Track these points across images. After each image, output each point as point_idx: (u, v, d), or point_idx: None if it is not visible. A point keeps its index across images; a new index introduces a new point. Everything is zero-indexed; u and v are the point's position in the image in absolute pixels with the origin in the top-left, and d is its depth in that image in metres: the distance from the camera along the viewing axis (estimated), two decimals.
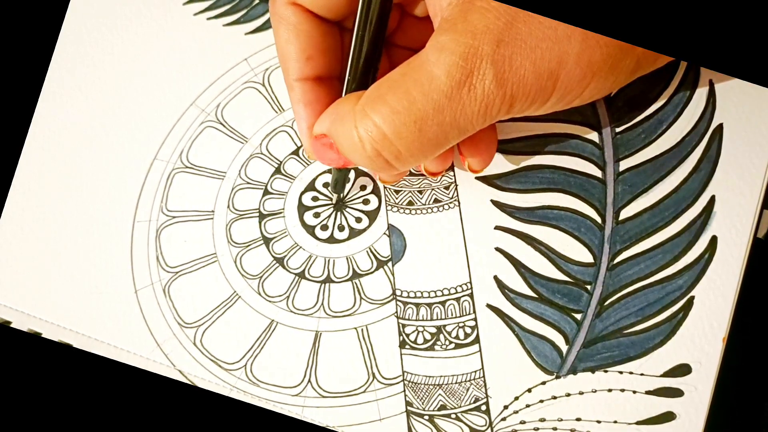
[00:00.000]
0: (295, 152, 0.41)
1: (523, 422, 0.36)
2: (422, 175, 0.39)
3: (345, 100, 0.33)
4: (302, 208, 0.40)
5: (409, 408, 0.37)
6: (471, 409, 0.37)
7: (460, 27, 0.30)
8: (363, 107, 0.31)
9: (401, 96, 0.30)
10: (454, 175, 0.39)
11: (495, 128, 0.37)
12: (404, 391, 0.37)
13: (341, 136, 0.32)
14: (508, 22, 0.29)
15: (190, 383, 0.39)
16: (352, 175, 0.40)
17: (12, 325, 0.40)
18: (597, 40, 0.30)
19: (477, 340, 0.37)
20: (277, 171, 0.40)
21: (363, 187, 0.40)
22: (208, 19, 0.43)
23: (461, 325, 0.38)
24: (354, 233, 0.39)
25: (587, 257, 0.38)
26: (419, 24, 0.37)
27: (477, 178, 0.39)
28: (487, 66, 0.29)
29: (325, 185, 0.40)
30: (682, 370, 0.36)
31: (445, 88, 0.29)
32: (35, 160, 0.41)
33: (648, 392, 0.36)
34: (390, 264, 0.39)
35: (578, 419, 0.36)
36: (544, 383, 0.37)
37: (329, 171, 0.40)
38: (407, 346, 0.38)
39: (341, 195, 0.40)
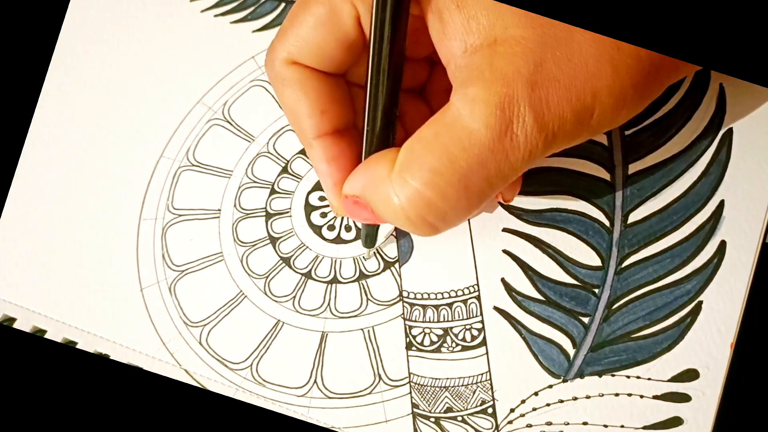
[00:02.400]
0: (302, 152, 0.40)
1: (529, 426, 0.36)
2: None
3: (377, 162, 0.31)
4: (309, 208, 0.40)
5: (415, 410, 0.37)
6: (477, 412, 0.37)
7: (488, 75, 0.28)
8: (400, 173, 0.29)
9: (441, 156, 0.29)
10: None
11: None
12: (410, 392, 0.37)
13: (379, 203, 0.30)
14: (537, 63, 0.28)
15: (195, 383, 0.38)
16: None
17: (17, 323, 0.40)
18: (626, 70, 0.29)
19: (484, 343, 0.37)
20: (284, 170, 0.40)
21: None
22: (215, 16, 0.43)
23: (468, 327, 0.38)
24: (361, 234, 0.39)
25: (595, 260, 0.38)
26: (416, 65, 0.36)
27: None
28: (527, 111, 0.28)
29: None
30: (690, 375, 0.36)
31: (486, 141, 0.28)
32: (40, 156, 0.41)
33: (655, 397, 0.36)
34: (397, 265, 0.39)
35: (585, 423, 0.36)
36: (551, 387, 0.37)
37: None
38: (414, 348, 0.38)
39: (372, 247, 0.39)
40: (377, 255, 0.39)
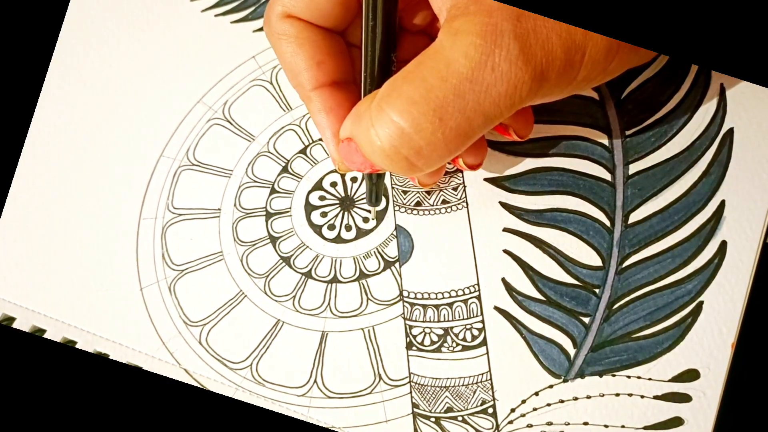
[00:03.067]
0: (303, 151, 0.40)
1: (530, 426, 0.36)
2: None
3: (363, 100, 0.31)
4: (309, 207, 0.40)
5: (415, 410, 0.37)
6: (478, 412, 0.37)
7: (472, 8, 0.28)
8: (378, 103, 0.29)
9: (417, 84, 0.28)
10: (463, 177, 0.39)
11: None
12: (411, 392, 0.37)
13: (362, 138, 0.30)
14: None
15: (195, 382, 0.38)
16: (359, 174, 0.40)
17: (16, 322, 0.39)
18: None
19: (484, 343, 0.37)
20: (285, 170, 0.40)
21: None
22: (216, 16, 0.43)
23: (468, 327, 0.38)
24: (361, 233, 0.39)
25: (596, 260, 0.38)
26: (414, 38, 0.36)
27: (485, 179, 0.39)
28: (511, 41, 0.27)
29: (333, 185, 0.40)
30: (691, 375, 0.36)
31: (464, 70, 0.27)
32: (40, 155, 0.41)
33: (656, 397, 0.36)
34: (397, 265, 0.39)
35: (585, 423, 0.36)
36: (551, 387, 0.37)
37: (336, 171, 0.40)
38: (414, 348, 0.38)
39: (378, 207, 0.39)
40: (377, 255, 0.39)
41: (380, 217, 0.39)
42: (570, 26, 0.28)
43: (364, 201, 0.39)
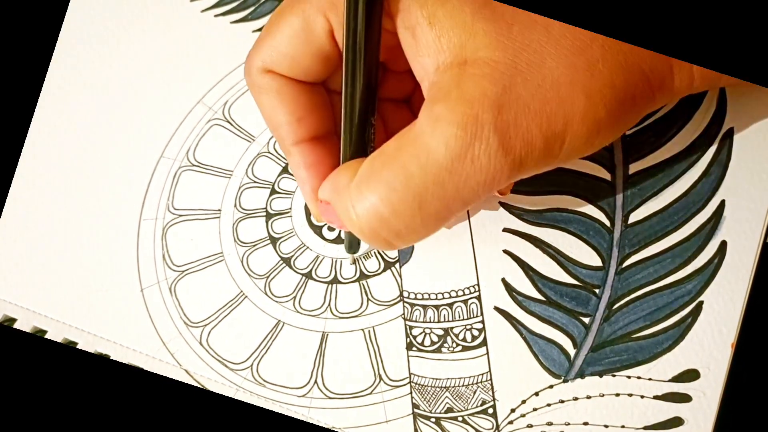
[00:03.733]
0: None
1: (530, 426, 0.36)
2: None
3: (343, 170, 0.31)
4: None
5: (415, 410, 0.37)
6: (478, 412, 0.37)
7: (454, 95, 0.28)
8: (358, 185, 0.29)
9: (397, 172, 0.28)
10: None
11: None
12: (411, 393, 0.37)
13: (341, 211, 0.30)
14: (506, 86, 0.27)
15: (195, 383, 0.38)
16: None
17: (17, 323, 0.40)
18: (601, 98, 0.28)
19: (484, 343, 0.37)
20: (285, 170, 0.40)
21: None
22: (216, 16, 0.43)
23: (469, 327, 0.38)
24: None
25: (596, 261, 0.38)
26: (401, 77, 0.35)
27: None
28: (491, 134, 0.27)
29: None
30: (691, 375, 0.36)
31: (444, 161, 0.27)
32: (40, 156, 0.41)
33: (656, 397, 0.36)
34: (397, 265, 0.39)
35: (585, 423, 0.36)
36: (551, 387, 0.37)
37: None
38: (414, 348, 0.38)
39: (355, 253, 0.39)
40: (377, 255, 0.39)
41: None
42: (551, 116, 0.28)
43: None
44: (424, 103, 0.29)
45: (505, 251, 0.38)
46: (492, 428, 0.37)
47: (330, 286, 0.39)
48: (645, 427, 0.36)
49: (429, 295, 0.38)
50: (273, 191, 0.40)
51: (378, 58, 0.31)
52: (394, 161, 0.28)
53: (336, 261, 0.39)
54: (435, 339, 0.38)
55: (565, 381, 0.37)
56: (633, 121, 0.31)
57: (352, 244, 0.38)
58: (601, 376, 0.36)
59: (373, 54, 0.31)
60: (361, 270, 0.39)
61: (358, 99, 0.32)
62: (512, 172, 0.28)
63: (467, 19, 0.28)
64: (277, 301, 0.39)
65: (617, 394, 0.36)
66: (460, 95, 0.28)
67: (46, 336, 0.39)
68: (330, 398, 0.38)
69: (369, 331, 0.38)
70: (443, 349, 0.38)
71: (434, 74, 0.29)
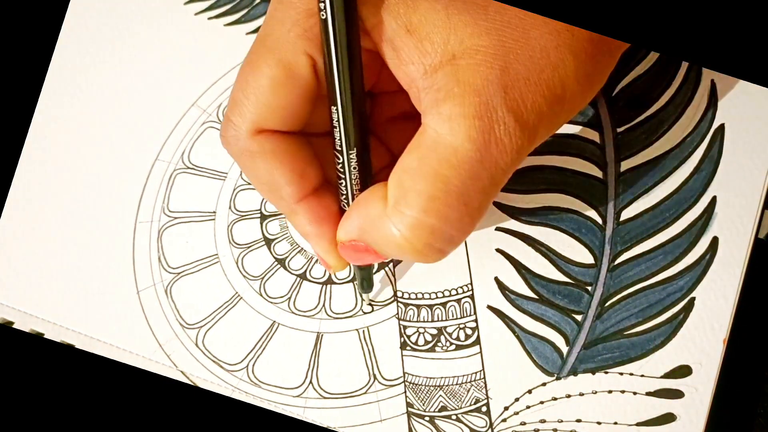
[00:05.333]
0: None
1: (523, 423, 0.37)
2: None
3: (368, 201, 0.30)
4: None
5: (410, 409, 0.37)
6: (471, 411, 0.37)
7: (457, 90, 0.28)
8: (396, 207, 0.29)
9: (433, 180, 0.28)
10: None
11: None
12: (405, 392, 0.38)
13: (381, 241, 0.30)
14: (503, 67, 0.28)
15: (192, 384, 0.39)
16: None
17: (14, 326, 0.40)
18: (585, 53, 0.29)
19: (478, 342, 0.38)
20: None
21: None
22: (209, 19, 0.43)
23: (462, 326, 0.38)
24: None
25: (588, 258, 0.38)
26: (392, 96, 0.35)
27: None
28: (505, 114, 0.28)
29: None
30: (683, 371, 0.36)
31: (473, 154, 0.28)
32: (35, 160, 0.42)
33: (648, 393, 0.36)
34: (391, 265, 0.39)
35: (578, 420, 0.36)
36: (544, 384, 0.37)
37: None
38: (408, 348, 0.38)
39: (370, 291, 0.38)
40: None
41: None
42: (549, 82, 0.29)
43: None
44: (424, 109, 0.29)
45: (498, 250, 0.38)
46: (486, 426, 0.37)
47: (324, 286, 0.39)
48: (638, 424, 0.36)
49: (422, 294, 0.38)
50: None
51: (363, 80, 0.31)
52: (424, 172, 0.28)
53: None
54: (429, 338, 0.38)
55: (558, 378, 0.37)
56: (612, 64, 0.32)
57: (366, 282, 0.37)
58: (593, 374, 0.37)
59: (358, 76, 0.30)
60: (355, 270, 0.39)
61: (355, 131, 0.31)
62: (531, 143, 0.29)
63: (442, 16, 0.29)
64: (271, 302, 0.39)
65: (610, 391, 0.36)
66: (465, 88, 0.28)
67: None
68: (325, 398, 0.38)
69: (363, 331, 0.38)
70: (437, 349, 0.38)
71: (423, 79, 0.29)
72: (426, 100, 0.29)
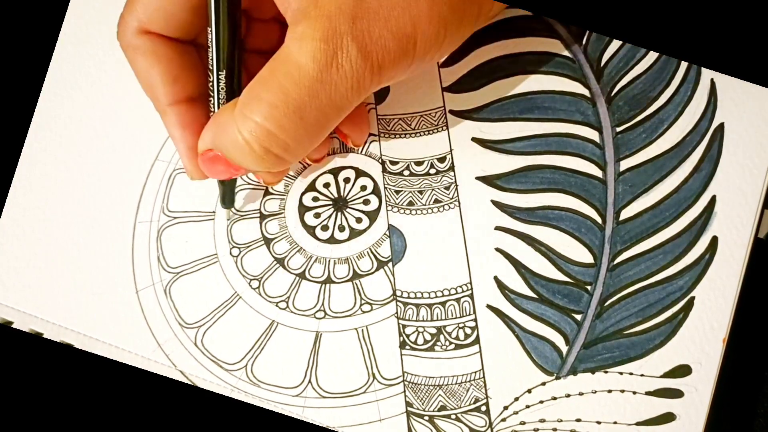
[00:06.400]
0: None
1: (523, 423, 0.36)
2: (423, 174, 0.39)
3: (222, 110, 0.33)
4: (303, 209, 0.40)
5: (409, 408, 0.37)
6: (471, 410, 0.37)
7: (313, 13, 0.30)
8: (241, 111, 0.32)
9: (275, 90, 0.31)
10: (455, 176, 0.39)
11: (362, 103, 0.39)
12: (404, 391, 0.37)
13: (228, 145, 0.33)
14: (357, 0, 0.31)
15: (191, 384, 0.39)
16: (351, 175, 0.40)
17: (14, 325, 0.40)
18: None
19: (477, 341, 0.37)
20: None
21: (363, 188, 0.40)
22: None
23: (461, 325, 0.38)
24: (354, 233, 0.39)
25: (588, 258, 0.38)
26: (266, 26, 0.38)
27: (477, 178, 0.39)
28: (349, 42, 0.30)
29: (326, 185, 0.40)
30: (683, 370, 0.36)
31: (313, 73, 0.30)
32: (35, 160, 0.41)
33: (648, 393, 0.36)
34: (390, 264, 0.39)
35: (578, 420, 0.36)
36: (544, 384, 0.37)
37: (330, 171, 0.40)
38: (407, 347, 0.38)
39: (231, 208, 0.40)
40: (370, 255, 0.39)
41: (373, 217, 0.39)
42: (400, 20, 0.31)
43: (358, 202, 0.40)
44: (289, 27, 0.32)
45: (498, 249, 0.38)
46: (485, 426, 0.37)
47: (323, 286, 0.39)
48: (637, 423, 0.36)
49: (422, 293, 0.38)
50: (266, 192, 0.40)
51: (240, 3, 0.34)
52: (270, 82, 0.31)
53: (329, 261, 0.39)
54: (428, 337, 0.38)
55: (557, 378, 0.37)
56: (473, 23, 0.34)
57: (226, 198, 0.39)
58: (593, 373, 0.37)
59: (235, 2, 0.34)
60: (354, 269, 0.39)
61: (226, 45, 0.34)
62: (374, 75, 0.31)
63: None
64: (270, 302, 0.39)
65: (609, 391, 0.36)
66: (319, 12, 0.30)
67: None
68: (324, 397, 0.38)
69: (362, 330, 0.38)
70: (436, 348, 0.38)
71: (294, 2, 0.32)
72: (288, 18, 0.32)
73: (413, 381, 0.37)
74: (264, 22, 0.38)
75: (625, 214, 0.38)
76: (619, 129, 0.39)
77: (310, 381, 0.38)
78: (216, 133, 0.33)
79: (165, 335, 0.39)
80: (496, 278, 0.38)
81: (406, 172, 0.39)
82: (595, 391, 0.36)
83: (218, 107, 0.35)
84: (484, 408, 0.37)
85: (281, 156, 0.32)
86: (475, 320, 0.38)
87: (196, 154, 0.35)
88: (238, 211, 0.40)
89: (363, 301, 0.39)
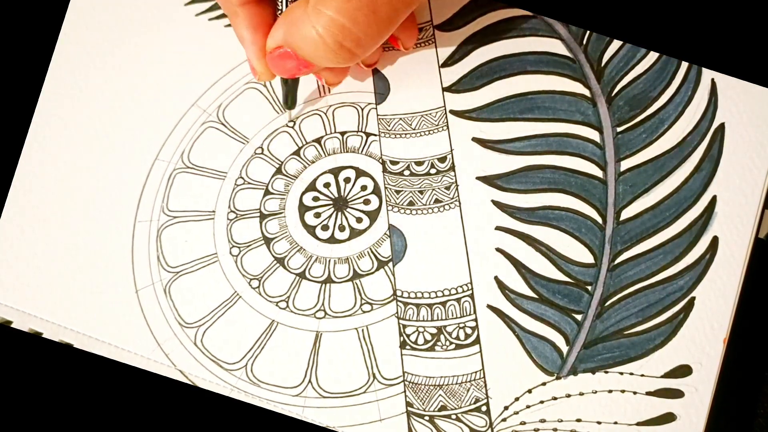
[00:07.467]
0: (296, 152, 0.41)
1: (523, 423, 0.36)
2: (423, 174, 0.39)
3: (293, 7, 0.34)
4: (303, 209, 0.40)
5: (409, 408, 0.37)
6: (471, 410, 0.37)
7: None
8: (315, 6, 0.32)
9: None
10: (455, 176, 0.39)
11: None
12: (405, 391, 0.37)
13: (300, 40, 0.33)
14: None
15: (190, 383, 0.39)
16: (352, 175, 0.40)
17: (13, 325, 0.40)
18: None
19: (477, 341, 0.37)
20: (278, 171, 0.40)
21: (364, 188, 0.40)
22: (210, 20, 0.43)
23: (462, 325, 0.38)
24: (355, 233, 0.39)
25: (588, 258, 0.38)
26: None
27: (477, 178, 0.39)
28: None
29: (326, 185, 0.40)
30: (683, 371, 0.36)
31: None
32: (36, 160, 0.41)
33: (648, 393, 0.36)
34: (391, 264, 0.39)
35: (578, 420, 0.36)
36: (544, 384, 0.37)
37: (330, 171, 0.40)
38: (408, 347, 0.38)
39: (293, 108, 0.40)
40: (371, 254, 0.39)
41: (373, 216, 0.39)
42: None
43: (358, 201, 0.40)
44: None
45: (498, 249, 0.38)
46: (485, 426, 0.37)
47: (323, 285, 0.39)
48: (638, 423, 0.36)
49: (422, 293, 0.38)
50: (267, 192, 0.40)
51: None
52: None
53: (329, 261, 0.39)
54: (428, 337, 0.38)
55: (558, 378, 0.37)
56: None
57: (289, 98, 0.40)
58: (593, 373, 0.37)
59: None
60: (354, 269, 0.39)
61: None
62: None
63: None
64: (270, 302, 0.39)
65: (610, 391, 0.36)
66: None
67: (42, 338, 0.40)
68: (324, 397, 0.38)
69: (363, 330, 0.38)
70: (437, 348, 0.38)
71: None
72: None
73: (413, 381, 0.37)
74: None
75: (626, 214, 0.38)
76: (619, 129, 0.39)
77: (310, 381, 0.38)
78: (288, 30, 0.34)
79: (164, 335, 0.39)
80: (496, 278, 0.38)
81: (407, 172, 0.39)
82: (596, 391, 0.36)
83: (287, 4, 0.36)
84: (484, 408, 0.37)
85: (353, 50, 0.33)
86: (476, 320, 0.38)
87: (265, 54, 0.36)
88: (238, 210, 0.40)
89: (363, 301, 0.39)
